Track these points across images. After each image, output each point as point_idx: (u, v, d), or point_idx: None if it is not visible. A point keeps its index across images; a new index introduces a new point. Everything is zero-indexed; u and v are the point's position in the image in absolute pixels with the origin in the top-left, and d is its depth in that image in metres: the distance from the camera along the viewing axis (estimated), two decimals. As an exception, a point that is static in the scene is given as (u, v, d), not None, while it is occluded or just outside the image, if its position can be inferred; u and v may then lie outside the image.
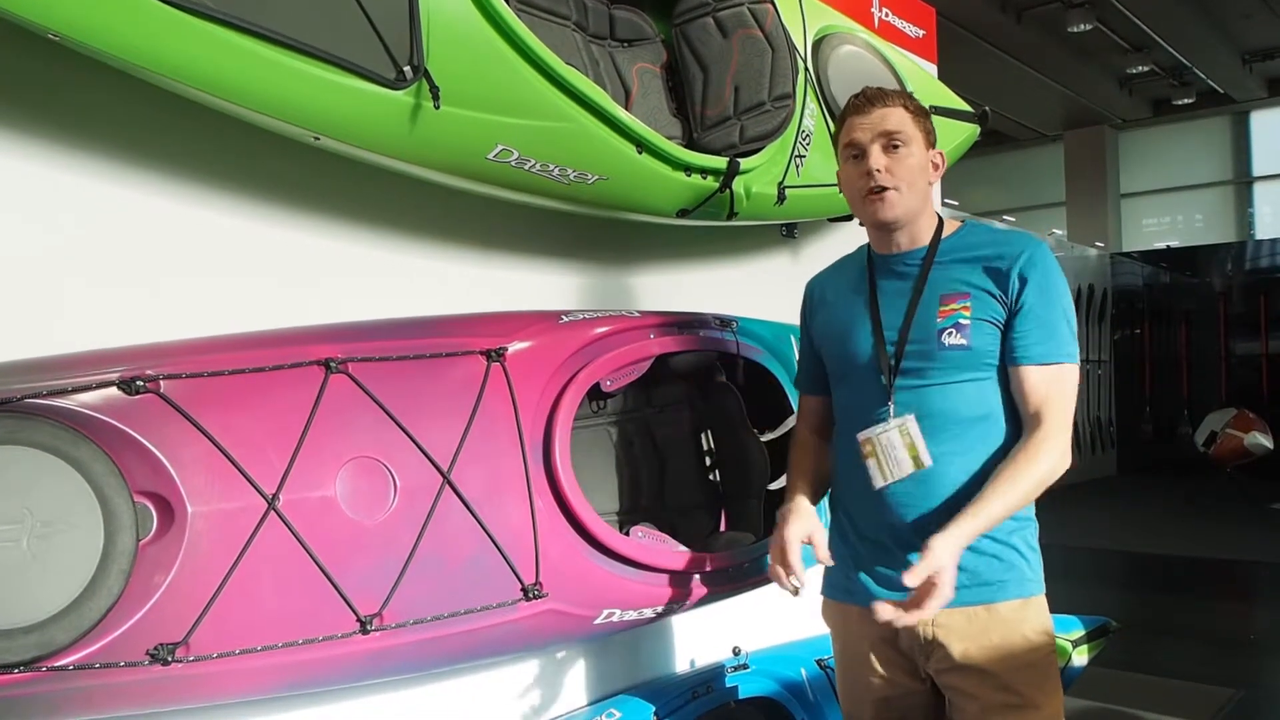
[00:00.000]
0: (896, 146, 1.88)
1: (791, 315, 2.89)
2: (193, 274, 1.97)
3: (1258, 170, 14.82)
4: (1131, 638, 4.86)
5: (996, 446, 1.89)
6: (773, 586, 2.56)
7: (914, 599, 1.72)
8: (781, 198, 2.71)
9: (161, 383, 1.62)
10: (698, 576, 2.31)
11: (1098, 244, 13.84)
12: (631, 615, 2.22)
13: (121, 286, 1.87)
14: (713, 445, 2.73)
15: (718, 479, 2.73)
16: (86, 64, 1.62)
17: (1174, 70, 12.91)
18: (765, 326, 2.75)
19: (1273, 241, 13.32)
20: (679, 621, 2.84)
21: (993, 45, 11.10)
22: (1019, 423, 1.88)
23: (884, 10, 4.02)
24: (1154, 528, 9.21)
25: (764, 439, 2.59)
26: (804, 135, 2.75)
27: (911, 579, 1.68)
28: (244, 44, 1.62)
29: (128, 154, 1.87)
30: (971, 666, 1.87)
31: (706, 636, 2.92)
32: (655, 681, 2.75)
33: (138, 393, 1.59)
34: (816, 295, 2.14)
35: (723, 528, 2.68)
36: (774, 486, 2.59)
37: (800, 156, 2.75)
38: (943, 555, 1.70)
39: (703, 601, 2.38)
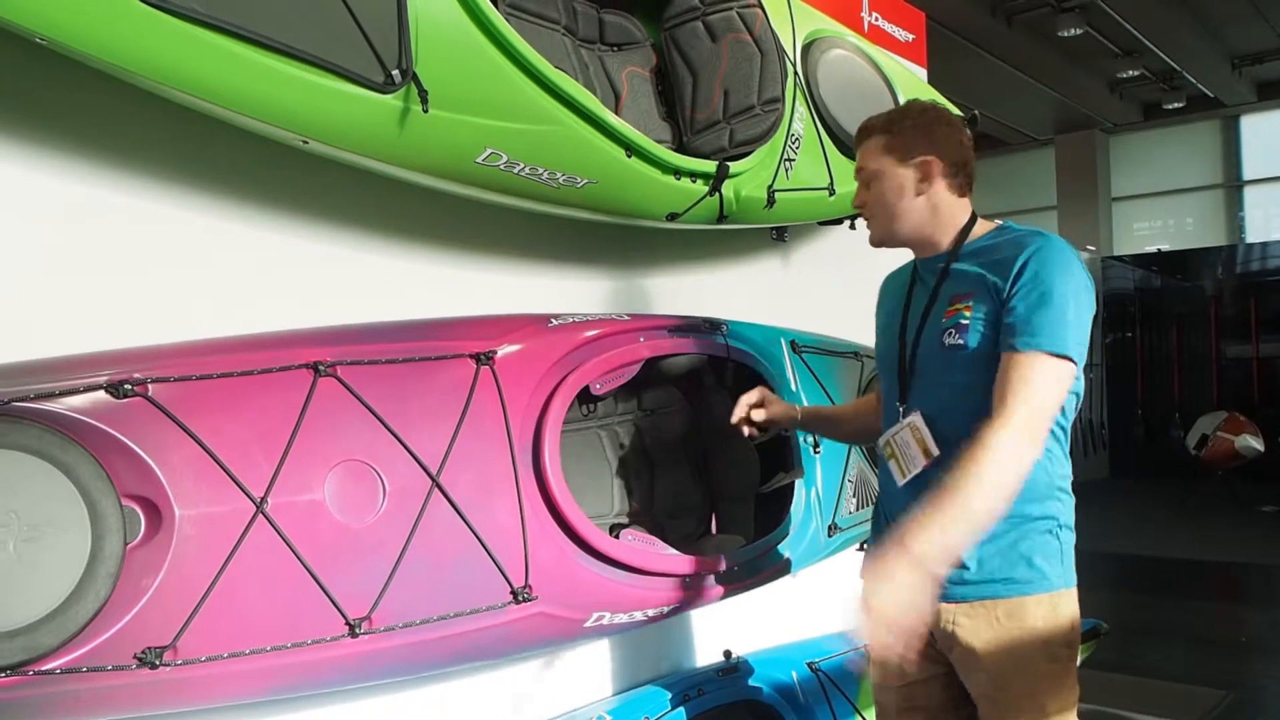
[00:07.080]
0: (869, 182, 2.03)
1: (781, 319, 2.91)
2: (181, 278, 1.97)
3: (1248, 174, 14.83)
4: (1123, 640, 4.88)
5: None
6: (763, 590, 2.59)
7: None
8: (771, 201, 2.71)
9: (150, 386, 1.62)
10: (688, 580, 2.31)
11: (1089, 247, 13.87)
12: (622, 618, 2.22)
13: (109, 290, 1.86)
14: (703, 448, 2.73)
15: (708, 482, 2.73)
16: (74, 67, 1.62)
17: (1164, 74, 12.93)
18: (756, 330, 2.76)
19: (1263, 245, 13.35)
20: (669, 625, 2.84)
21: (983, 49, 11.11)
22: None
23: (874, 15, 4.04)
24: (1145, 530, 9.22)
25: (754, 442, 2.59)
26: (793, 139, 2.75)
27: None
28: (232, 48, 1.62)
29: (114, 157, 1.87)
30: (983, 657, 1.88)
31: (697, 640, 2.92)
32: (646, 685, 2.74)
33: (125, 396, 1.59)
34: (879, 297, 2.23)
35: (713, 531, 2.68)
36: (764, 489, 2.59)
37: (790, 160, 2.75)
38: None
39: (693, 605, 2.38)
